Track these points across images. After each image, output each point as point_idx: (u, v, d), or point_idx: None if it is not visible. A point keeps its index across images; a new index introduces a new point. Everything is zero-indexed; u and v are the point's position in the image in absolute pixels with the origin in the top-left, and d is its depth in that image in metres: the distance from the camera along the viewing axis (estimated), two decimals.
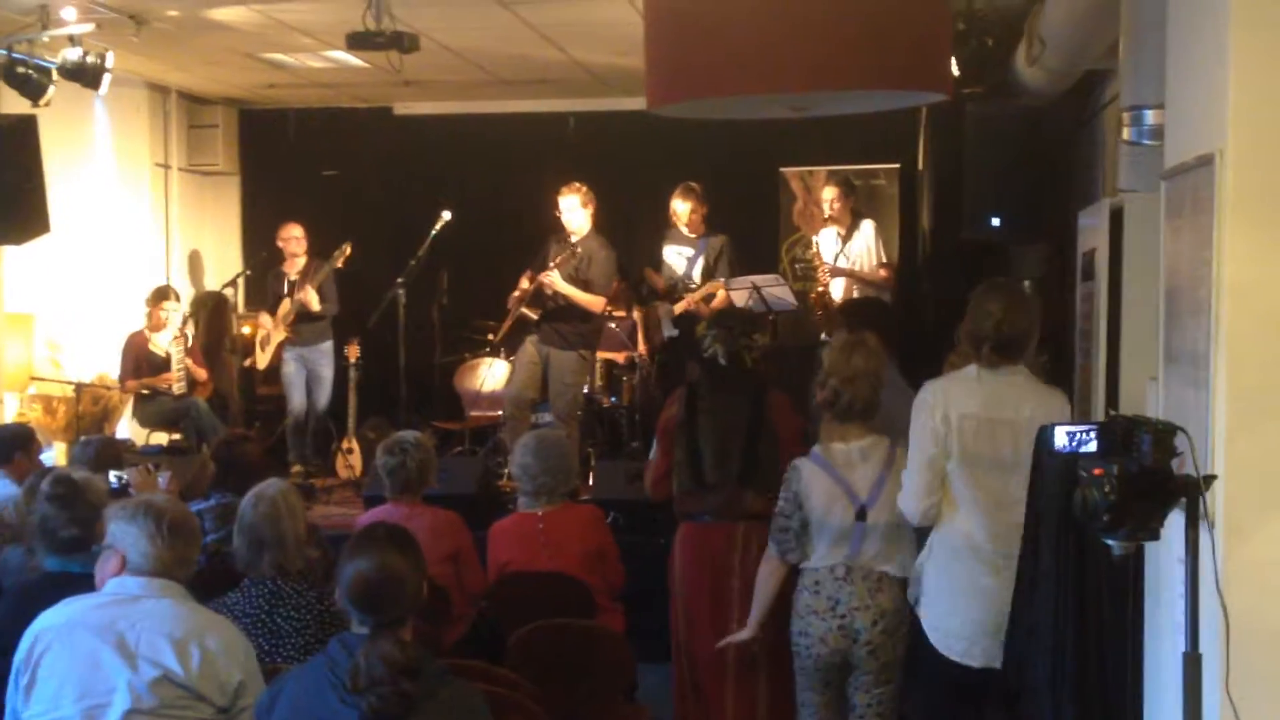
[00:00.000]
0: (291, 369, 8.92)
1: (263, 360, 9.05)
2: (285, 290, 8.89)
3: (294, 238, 8.99)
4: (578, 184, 7.82)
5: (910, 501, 3.87)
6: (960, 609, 3.81)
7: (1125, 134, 4.38)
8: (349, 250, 8.69)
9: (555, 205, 7.83)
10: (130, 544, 3.27)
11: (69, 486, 3.96)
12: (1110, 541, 2.60)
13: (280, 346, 8.91)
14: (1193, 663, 2.57)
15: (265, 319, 9.01)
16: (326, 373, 8.95)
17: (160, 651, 3.15)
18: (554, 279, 7.65)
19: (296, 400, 8.92)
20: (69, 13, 6.88)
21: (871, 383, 4.08)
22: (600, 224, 7.93)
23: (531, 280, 7.80)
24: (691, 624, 4.75)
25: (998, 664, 3.69)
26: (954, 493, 3.80)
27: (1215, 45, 2.96)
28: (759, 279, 8.04)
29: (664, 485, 4.85)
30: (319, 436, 9.05)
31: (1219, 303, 2.88)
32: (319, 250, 8.93)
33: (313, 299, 8.68)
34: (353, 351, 8.78)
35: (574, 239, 7.79)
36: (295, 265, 8.96)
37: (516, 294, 7.89)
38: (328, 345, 8.95)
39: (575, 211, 7.77)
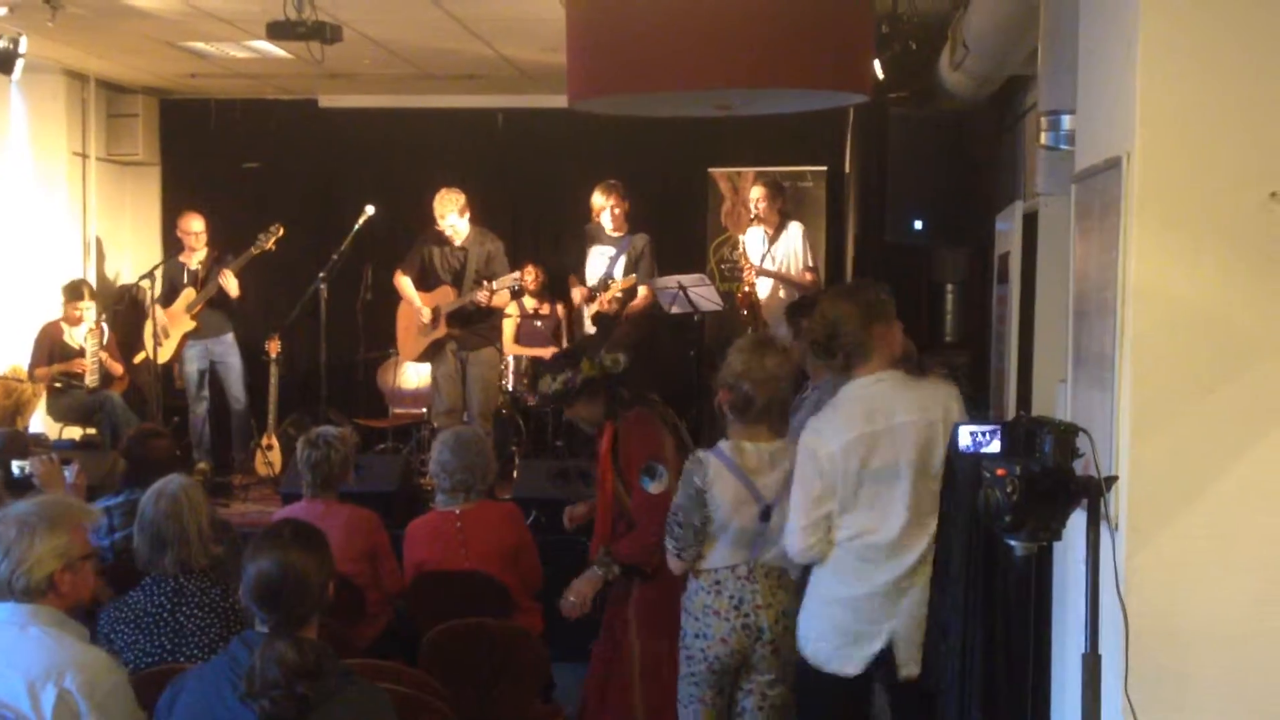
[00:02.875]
0: (192, 368, 8.68)
1: (164, 354, 8.63)
2: (185, 280, 8.67)
3: (193, 232, 8.72)
4: (452, 193, 7.80)
5: (795, 539, 3.77)
6: (826, 617, 3.76)
7: (1042, 139, 4.41)
8: (281, 231, 8.52)
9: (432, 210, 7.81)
10: None
11: None
12: (1012, 542, 2.62)
13: (184, 340, 8.66)
14: (1092, 663, 2.59)
15: (159, 312, 8.54)
16: (235, 361, 8.76)
17: (15, 693, 2.95)
18: (502, 297, 7.75)
19: (198, 399, 8.72)
20: None
21: (784, 385, 3.99)
22: (476, 218, 7.97)
23: (427, 300, 7.84)
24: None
25: (852, 670, 3.69)
26: (840, 511, 3.72)
27: (1124, 49, 2.99)
28: (685, 278, 8.04)
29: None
30: (241, 432, 8.89)
31: (1124, 304, 2.90)
32: (238, 241, 8.72)
33: (232, 284, 8.46)
34: (273, 347, 8.62)
35: (458, 241, 7.84)
36: (195, 256, 8.74)
37: (423, 320, 7.84)
38: (230, 337, 8.75)
39: (460, 221, 7.82)
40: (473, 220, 7.93)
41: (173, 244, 10.14)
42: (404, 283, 7.95)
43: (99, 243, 10.01)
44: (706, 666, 3.98)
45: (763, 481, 3.96)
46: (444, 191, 7.83)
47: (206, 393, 8.76)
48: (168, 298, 8.66)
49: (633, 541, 4.41)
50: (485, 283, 7.69)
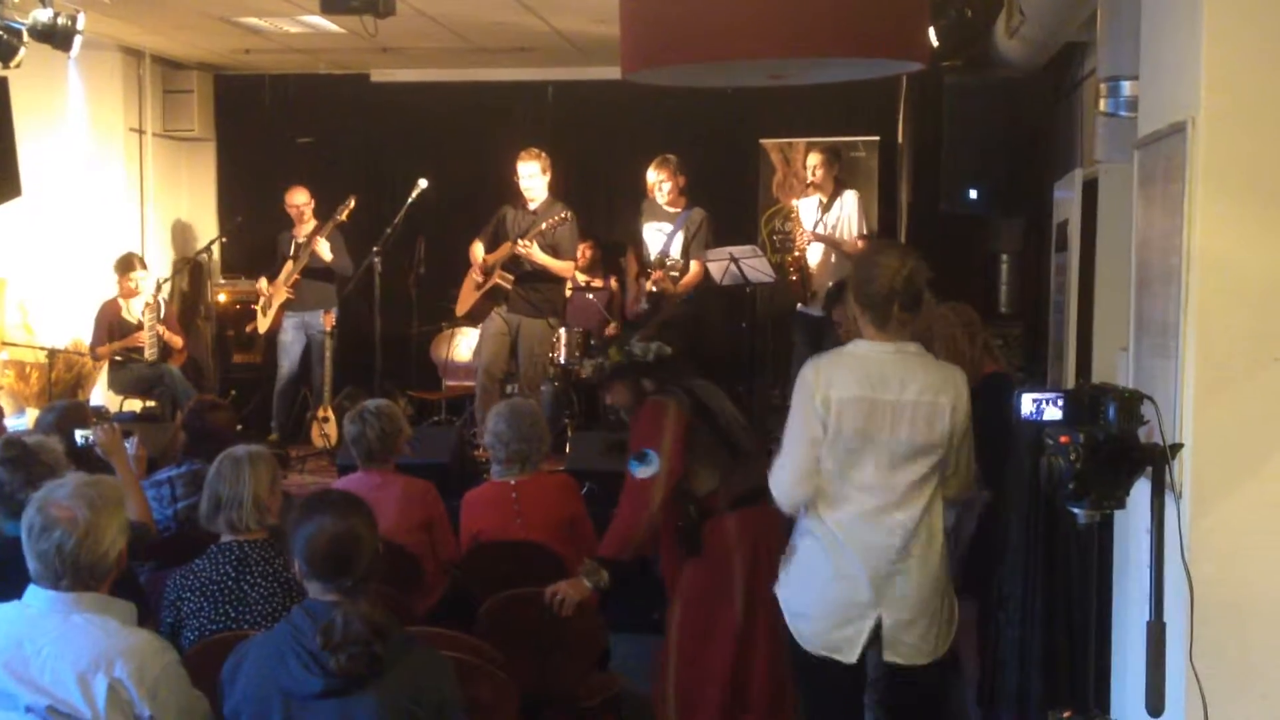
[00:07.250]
0: (289, 336, 8.85)
1: (264, 325, 8.93)
2: (291, 253, 8.80)
3: (297, 205, 8.87)
4: (536, 150, 7.87)
5: (786, 489, 3.54)
6: (815, 594, 3.55)
7: (1102, 105, 4.36)
8: (353, 203, 8.61)
9: (515, 171, 7.85)
10: (27, 553, 2.99)
11: (19, 449, 3.91)
12: (1075, 510, 2.59)
13: (281, 311, 8.82)
14: (1156, 631, 2.57)
15: (263, 284, 8.90)
16: (321, 337, 8.83)
17: (64, 685, 2.86)
18: (533, 251, 7.70)
19: (286, 366, 8.86)
20: None
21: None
22: (558, 190, 7.95)
23: (488, 258, 7.84)
24: (756, 618, 4.27)
25: (839, 655, 3.49)
26: (830, 477, 3.48)
27: (1188, 12, 2.94)
28: (736, 250, 8.02)
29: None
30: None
31: (1189, 271, 2.87)
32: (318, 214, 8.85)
33: (323, 249, 8.58)
34: (328, 320, 8.71)
35: (532, 205, 7.86)
36: (304, 229, 8.85)
37: (479, 276, 7.88)
38: (322, 313, 8.84)
39: (536, 179, 7.84)
40: (552, 190, 7.93)
41: (226, 218, 10.31)
42: (474, 248, 7.99)
43: (156, 218, 10.12)
44: None
45: None
46: (526, 150, 7.88)
47: (295, 364, 8.85)
48: (276, 270, 8.83)
49: (613, 534, 4.36)
50: (521, 240, 7.70)
